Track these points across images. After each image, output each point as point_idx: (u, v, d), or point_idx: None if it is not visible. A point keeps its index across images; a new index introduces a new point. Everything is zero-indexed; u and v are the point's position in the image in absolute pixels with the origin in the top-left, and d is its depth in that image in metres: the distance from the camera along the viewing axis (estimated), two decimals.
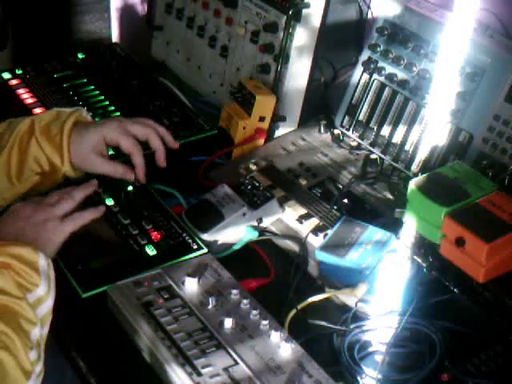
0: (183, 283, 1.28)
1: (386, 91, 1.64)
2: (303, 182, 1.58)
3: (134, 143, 1.40)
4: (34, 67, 1.94)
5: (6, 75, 1.90)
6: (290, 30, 1.71)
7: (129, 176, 1.43)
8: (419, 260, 1.34)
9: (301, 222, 1.49)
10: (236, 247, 1.44)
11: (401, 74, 1.62)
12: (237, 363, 1.14)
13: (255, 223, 1.48)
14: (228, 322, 1.20)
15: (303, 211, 1.51)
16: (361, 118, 1.68)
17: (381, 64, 1.65)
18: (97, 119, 1.75)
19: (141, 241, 1.40)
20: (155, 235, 1.41)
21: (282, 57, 1.72)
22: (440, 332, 1.25)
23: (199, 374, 1.11)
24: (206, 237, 1.42)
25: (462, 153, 1.50)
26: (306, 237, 1.45)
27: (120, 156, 1.47)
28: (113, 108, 1.81)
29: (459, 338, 1.25)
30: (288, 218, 1.51)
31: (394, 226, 1.40)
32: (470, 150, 1.49)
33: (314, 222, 1.48)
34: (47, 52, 2.00)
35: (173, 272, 1.31)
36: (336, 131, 1.72)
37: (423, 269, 1.33)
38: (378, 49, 1.65)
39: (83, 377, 1.21)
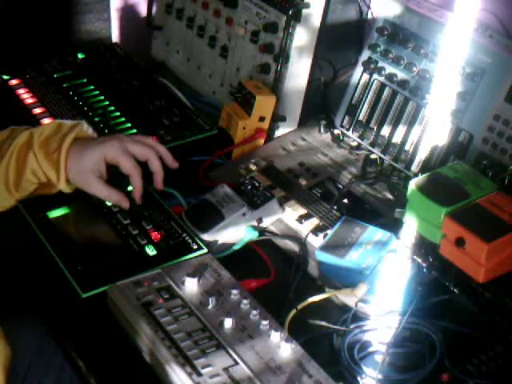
0: (183, 283, 1.28)
1: (386, 91, 1.64)
2: (303, 182, 1.58)
3: (134, 164, 1.38)
4: (34, 67, 1.94)
5: (6, 75, 1.90)
6: (290, 30, 1.71)
7: (124, 204, 1.41)
8: (419, 260, 1.34)
9: (301, 222, 1.49)
10: (236, 247, 1.44)
11: (401, 74, 1.62)
12: (237, 363, 1.14)
13: (255, 223, 1.48)
14: (228, 322, 1.20)
15: (303, 211, 1.51)
16: (361, 117, 1.68)
17: (381, 64, 1.65)
18: (96, 119, 1.75)
19: (141, 241, 1.40)
20: (155, 235, 1.41)
21: (282, 57, 1.72)
22: (440, 332, 1.25)
23: (199, 374, 1.11)
24: (205, 237, 1.42)
25: (462, 153, 1.50)
26: (306, 237, 1.45)
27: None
28: (113, 108, 1.81)
29: (459, 338, 1.25)
30: (288, 218, 1.51)
31: (394, 226, 1.40)
32: (470, 150, 1.49)
33: (314, 222, 1.48)
34: (47, 52, 1.99)
35: (173, 272, 1.31)
36: (336, 131, 1.73)
37: (423, 269, 1.33)
38: (378, 49, 1.65)
39: (83, 377, 1.21)
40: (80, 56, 2.01)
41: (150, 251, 1.38)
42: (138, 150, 1.40)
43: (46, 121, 1.73)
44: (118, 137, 1.41)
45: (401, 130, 1.61)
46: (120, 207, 1.43)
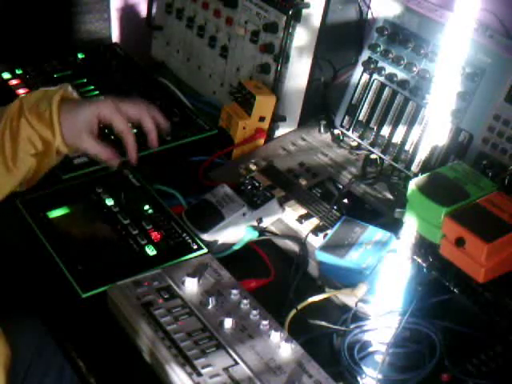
0: (183, 283, 1.28)
1: (386, 91, 1.64)
2: (303, 182, 1.58)
3: (126, 123, 1.37)
4: (34, 67, 1.94)
5: (6, 75, 1.90)
6: (290, 30, 1.71)
7: (113, 163, 1.39)
8: (419, 260, 1.34)
9: (301, 222, 1.49)
10: (236, 247, 1.44)
11: (401, 74, 1.62)
12: (237, 363, 1.14)
13: (255, 223, 1.48)
14: (228, 322, 1.20)
15: (303, 211, 1.51)
16: (361, 118, 1.68)
17: (381, 64, 1.65)
18: None
19: (141, 241, 1.40)
20: (155, 235, 1.41)
21: (282, 57, 1.72)
22: (440, 332, 1.25)
23: (199, 374, 1.11)
24: (205, 237, 1.42)
25: (462, 153, 1.50)
26: (306, 237, 1.45)
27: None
28: None
29: (459, 338, 1.25)
30: (288, 218, 1.51)
31: (393, 226, 1.40)
32: (470, 150, 1.49)
33: (314, 222, 1.48)
34: (47, 52, 2.00)
35: (173, 272, 1.31)
36: (336, 131, 1.73)
37: (423, 269, 1.33)
38: (378, 49, 1.65)
39: (83, 377, 1.21)
40: (80, 56, 2.01)
41: (150, 251, 1.38)
42: (131, 109, 1.38)
43: None
44: (110, 98, 1.41)
45: (401, 129, 1.61)
46: (109, 166, 1.42)
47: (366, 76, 1.68)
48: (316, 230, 1.46)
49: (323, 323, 1.29)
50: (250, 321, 1.22)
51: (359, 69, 1.69)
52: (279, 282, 1.38)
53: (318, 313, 1.31)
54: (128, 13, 2.28)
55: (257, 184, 1.53)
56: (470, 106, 1.51)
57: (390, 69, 1.64)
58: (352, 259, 1.34)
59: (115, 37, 2.26)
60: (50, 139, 1.33)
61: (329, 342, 1.27)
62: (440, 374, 1.19)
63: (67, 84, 1.42)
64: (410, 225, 1.34)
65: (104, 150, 1.37)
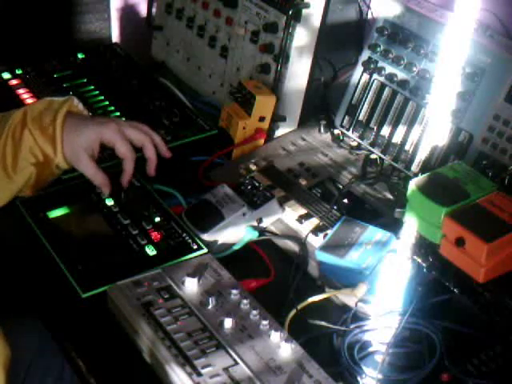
0: (183, 283, 1.28)
1: (386, 91, 1.64)
2: (303, 182, 1.58)
3: (130, 149, 1.39)
4: (34, 67, 1.94)
5: (6, 75, 1.90)
6: (290, 30, 1.71)
7: (105, 189, 1.41)
8: (419, 260, 1.34)
9: (301, 222, 1.49)
10: (236, 247, 1.44)
11: (401, 74, 1.62)
12: (237, 363, 1.14)
13: (255, 223, 1.48)
14: (228, 322, 1.20)
15: (303, 211, 1.51)
16: (361, 117, 1.68)
17: (381, 64, 1.65)
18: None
19: (141, 241, 1.40)
20: (155, 235, 1.41)
21: (282, 57, 1.72)
22: (440, 332, 1.25)
23: (199, 374, 1.11)
24: (205, 237, 1.42)
25: (462, 153, 1.50)
26: (306, 237, 1.45)
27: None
28: (113, 108, 1.81)
29: (459, 338, 1.25)
30: (288, 218, 1.51)
31: (394, 225, 1.40)
32: (470, 150, 1.49)
33: (314, 222, 1.48)
34: (47, 52, 2.00)
35: (173, 272, 1.31)
36: (336, 131, 1.73)
37: (423, 269, 1.33)
38: (378, 49, 1.65)
39: (83, 377, 1.21)
40: (80, 56, 2.01)
41: (150, 251, 1.38)
42: (135, 136, 1.40)
43: None
44: (115, 120, 1.42)
45: (401, 129, 1.61)
46: (101, 190, 1.43)
47: (365, 76, 1.68)
48: (316, 230, 1.46)
49: (323, 323, 1.29)
50: (250, 321, 1.22)
51: (359, 69, 1.69)
52: (279, 282, 1.38)
53: (318, 313, 1.31)
54: (128, 13, 2.28)
55: (257, 184, 1.53)
56: (469, 106, 1.51)
57: (389, 69, 1.64)
58: (352, 259, 1.34)
59: (115, 37, 2.26)
60: (51, 155, 1.34)
61: (329, 342, 1.27)
62: (440, 374, 1.19)
63: (73, 96, 1.42)
64: (410, 225, 1.34)
65: (99, 175, 1.39)
